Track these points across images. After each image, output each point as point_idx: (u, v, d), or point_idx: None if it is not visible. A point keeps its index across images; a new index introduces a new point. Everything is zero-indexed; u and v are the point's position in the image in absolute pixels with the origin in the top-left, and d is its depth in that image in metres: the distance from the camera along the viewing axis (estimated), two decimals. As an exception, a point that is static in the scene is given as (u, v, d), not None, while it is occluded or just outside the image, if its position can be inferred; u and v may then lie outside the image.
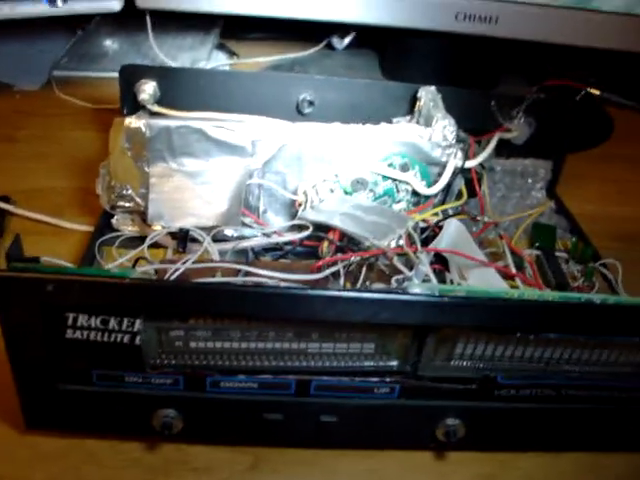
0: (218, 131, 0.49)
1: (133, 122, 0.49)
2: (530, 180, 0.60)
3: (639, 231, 0.63)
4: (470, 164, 0.51)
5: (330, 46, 0.89)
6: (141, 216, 0.51)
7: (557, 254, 0.54)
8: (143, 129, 0.49)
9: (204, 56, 0.83)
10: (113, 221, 0.52)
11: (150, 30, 0.75)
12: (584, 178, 0.69)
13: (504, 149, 0.59)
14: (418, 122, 0.54)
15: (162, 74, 0.55)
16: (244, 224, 0.50)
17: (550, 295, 0.38)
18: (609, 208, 0.66)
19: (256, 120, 0.50)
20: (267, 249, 0.48)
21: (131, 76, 0.54)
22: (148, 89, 0.54)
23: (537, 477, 0.42)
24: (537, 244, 0.54)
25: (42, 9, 0.67)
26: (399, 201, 0.51)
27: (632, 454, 0.43)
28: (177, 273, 0.41)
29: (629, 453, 0.43)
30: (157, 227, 0.50)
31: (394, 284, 0.39)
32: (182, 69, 0.66)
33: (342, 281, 0.40)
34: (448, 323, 0.35)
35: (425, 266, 0.40)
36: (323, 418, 0.38)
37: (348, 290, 0.39)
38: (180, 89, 0.55)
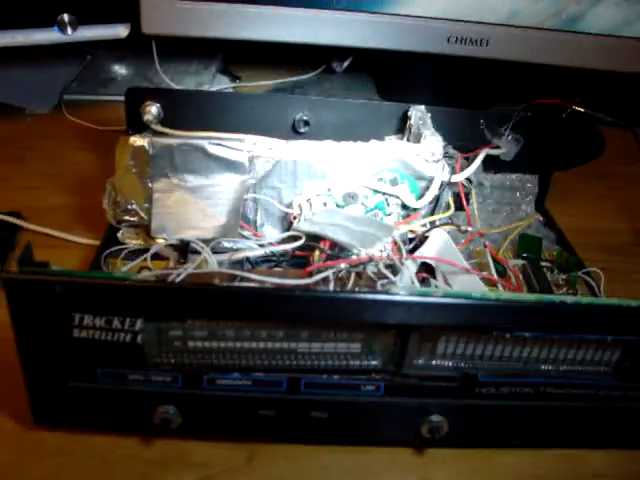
0: (217, 149, 0.52)
1: (138, 141, 0.52)
2: (518, 194, 0.62)
3: (623, 243, 0.66)
4: (457, 178, 0.54)
5: (329, 70, 0.92)
6: (145, 229, 0.54)
7: (542, 264, 0.56)
8: (147, 147, 0.52)
9: (208, 80, 0.87)
10: (119, 235, 0.54)
11: (156, 55, 0.78)
12: (575, 193, 0.72)
13: (494, 165, 0.62)
14: (408, 139, 0.57)
15: (165, 96, 0.58)
16: (242, 236, 0.53)
17: (525, 296, 0.40)
18: (596, 221, 0.69)
19: (253, 138, 0.53)
20: (263, 260, 0.51)
21: (136, 98, 0.57)
22: (152, 110, 0.57)
23: (520, 473, 0.44)
24: (523, 254, 0.56)
25: (54, 36, 0.70)
26: (390, 214, 0.53)
27: (612, 450, 0.45)
28: (178, 279, 0.43)
29: (609, 449, 0.45)
30: (160, 240, 0.53)
31: (379, 288, 0.42)
32: (184, 91, 0.69)
33: (332, 286, 0.43)
34: (427, 322, 0.38)
35: (409, 272, 0.43)
36: (313, 414, 0.41)
37: (333, 291, 0.41)
38: (182, 110, 0.58)
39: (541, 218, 0.62)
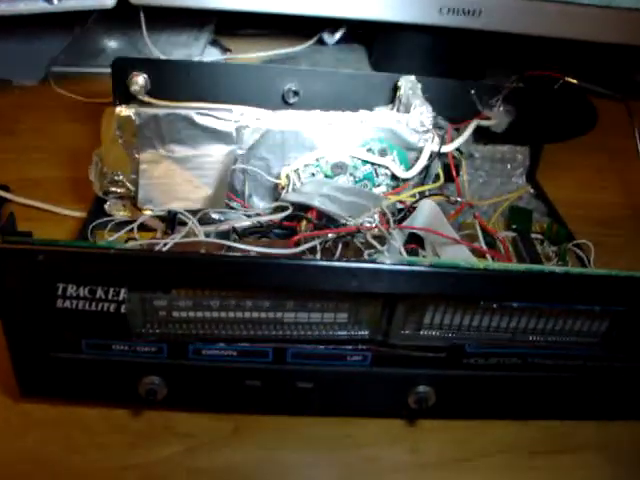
0: (204, 119, 0.51)
1: (123, 111, 0.52)
2: (509, 166, 0.62)
3: (615, 216, 0.66)
4: (446, 149, 0.53)
5: (321, 41, 0.91)
6: (132, 201, 0.53)
7: (533, 236, 0.56)
8: (133, 117, 0.51)
9: (198, 52, 0.86)
10: (105, 206, 0.54)
11: (144, 26, 0.77)
12: (566, 166, 0.72)
13: (485, 137, 0.61)
14: (398, 110, 0.56)
15: (153, 66, 0.57)
16: (230, 207, 0.52)
17: (514, 266, 0.40)
18: (588, 194, 0.69)
19: (241, 108, 0.52)
20: (252, 231, 0.50)
21: (123, 69, 0.56)
22: (139, 81, 0.56)
23: (507, 443, 0.44)
24: (513, 226, 0.56)
25: (39, 6, 0.69)
26: (379, 185, 0.53)
27: (599, 421, 0.45)
28: (164, 249, 0.43)
29: (595, 421, 0.45)
30: (147, 211, 0.52)
31: (366, 257, 0.41)
32: (171, 61, 0.68)
33: (319, 256, 0.43)
34: (414, 292, 0.38)
35: (397, 242, 0.42)
36: (299, 384, 0.41)
37: (319, 259, 0.41)
38: (170, 80, 0.57)
39: (532, 190, 0.62)
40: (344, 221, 0.44)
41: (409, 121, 0.52)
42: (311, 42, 0.90)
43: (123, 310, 0.38)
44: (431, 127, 0.52)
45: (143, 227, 0.51)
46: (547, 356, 0.42)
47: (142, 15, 0.76)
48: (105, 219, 0.53)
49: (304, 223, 0.45)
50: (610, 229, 0.64)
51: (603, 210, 0.66)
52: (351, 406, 0.43)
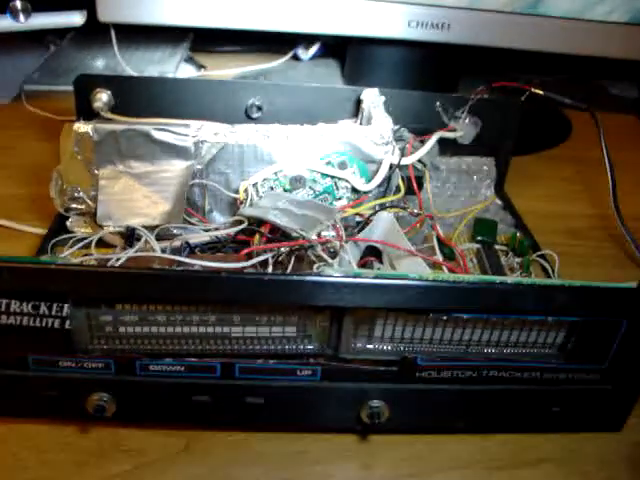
0: (162, 134, 0.51)
1: (81, 127, 0.51)
2: (475, 177, 0.62)
3: (583, 227, 0.65)
4: (407, 161, 0.53)
5: (296, 57, 0.92)
6: (93, 217, 0.53)
7: (497, 247, 0.56)
8: (91, 133, 0.51)
9: (172, 69, 0.86)
10: (67, 223, 0.53)
11: (115, 43, 0.77)
12: (539, 177, 0.72)
13: (453, 148, 0.61)
14: (361, 123, 0.56)
15: (116, 83, 0.57)
16: (190, 223, 0.52)
17: (463, 277, 0.40)
18: (557, 205, 0.68)
19: (198, 123, 0.52)
20: (210, 247, 0.50)
21: (86, 85, 0.56)
22: (102, 97, 0.56)
23: (464, 459, 0.43)
24: (478, 237, 0.56)
25: (6, 24, 0.69)
26: (339, 198, 0.53)
27: (558, 434, 0.45)
28: (117, 264, 0.43)
29: (555, 434, 0.45)
30: (107, 227, 0.52)
31: (315, 270, 0.41)
32: (135, 78, 0.68)
33: (270, 270, 0.42)
34: (359, 304, 0.37)
35: (348, 255, 0.42)
36: (249, 400, 0.40)
37: (261, 273, 0.40)
38: (135, 97, 0.58)
39: (499, 201, 0.62)
40: (296, 234, 0.44)
41: (369, 133, 0.52)
42: (286, 58, 0.91)
43: (68, 326, 0.37)
44: (391, 139, 0.52)
45: (105, 243, 0.51)
46: (503, 368, 0.41)
47: (112, 32, 0.76)
48: (66, 236, 0.53)
49: (257, 237, 0.45)
50: (578, 240, 0.63)
51: (572, 221, 0.66)
52: (303, 421, 0.42)
